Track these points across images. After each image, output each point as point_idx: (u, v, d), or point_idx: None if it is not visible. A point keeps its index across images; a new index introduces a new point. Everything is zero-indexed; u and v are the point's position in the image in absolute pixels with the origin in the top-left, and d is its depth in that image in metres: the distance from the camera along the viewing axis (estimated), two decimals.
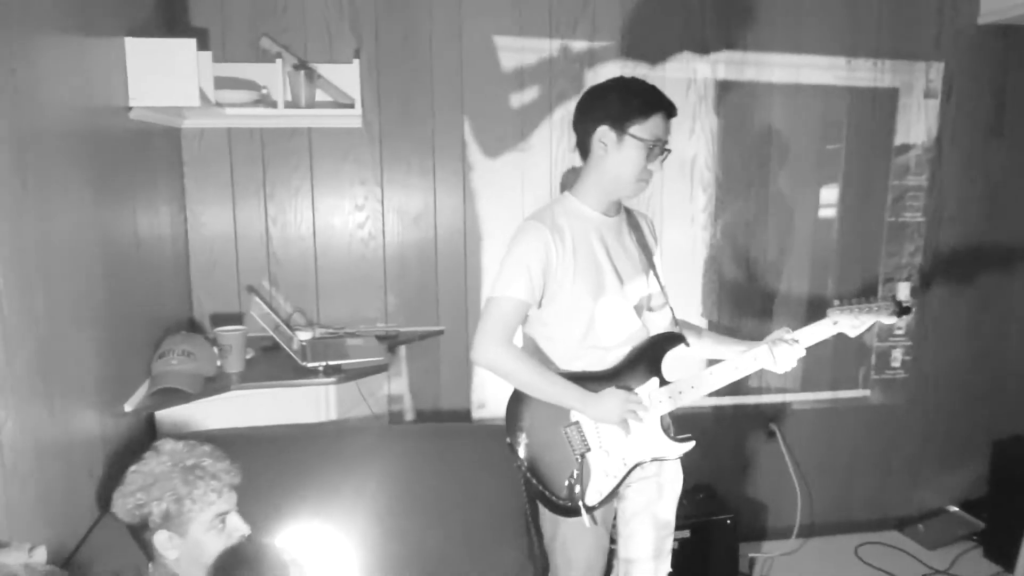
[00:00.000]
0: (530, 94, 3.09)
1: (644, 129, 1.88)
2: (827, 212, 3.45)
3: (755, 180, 3.33)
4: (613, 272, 1.95)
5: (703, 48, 3.19)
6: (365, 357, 2.63)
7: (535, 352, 2.01)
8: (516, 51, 3.06)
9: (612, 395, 1.92)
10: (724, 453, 3.47)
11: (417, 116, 3.03)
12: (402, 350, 3.08)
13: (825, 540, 3.56)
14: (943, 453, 3.72)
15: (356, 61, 2.85)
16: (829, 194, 3.44)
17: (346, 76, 2.87)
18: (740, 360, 1.98)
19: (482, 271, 3.14)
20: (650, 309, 2.06)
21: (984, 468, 3.59)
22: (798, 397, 3.52)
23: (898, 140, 3.47)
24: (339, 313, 3.05)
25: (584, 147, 1.97)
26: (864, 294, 2.07)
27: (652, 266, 2.07)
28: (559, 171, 3.14)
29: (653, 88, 1.92)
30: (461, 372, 3.17)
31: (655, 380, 1.98)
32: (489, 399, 3.19)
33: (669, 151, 1.94)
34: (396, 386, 3.12)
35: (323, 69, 2.86)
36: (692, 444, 2.00)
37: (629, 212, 2.12)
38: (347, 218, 3.05)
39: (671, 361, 2.02)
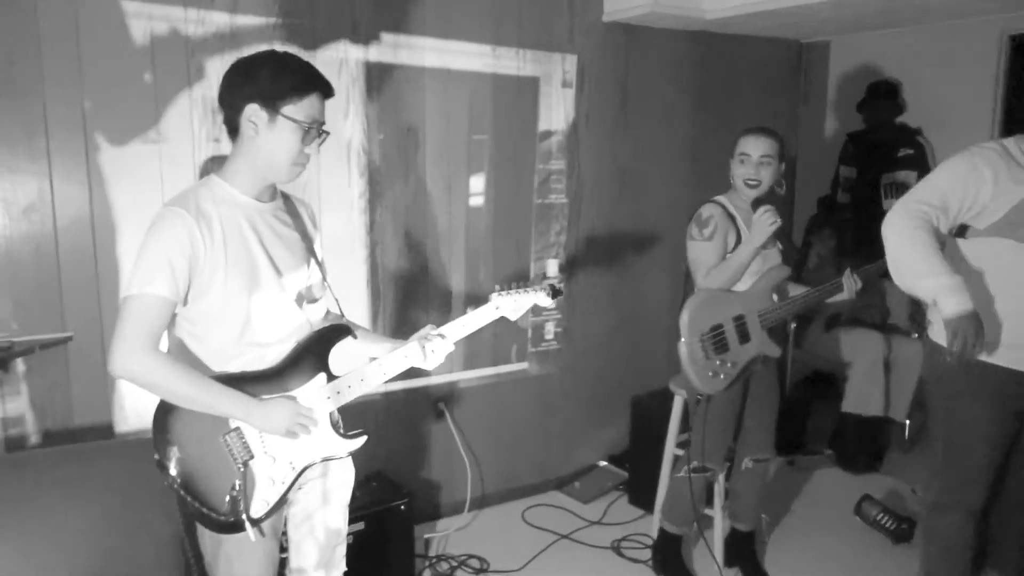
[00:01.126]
0: (167, 70, 2.77)
1: (298, 110, 1.74)
2: (481, 198, 3.58)
3: (411, 165, 3.35)
4: (269, 263, 1.81)
5: (358, 31, 3.11)
6: None
7: (183, 354, 1.80)
8: (148, 19, 2.72)
9: (279, 405, 1.77)
10: (396, 437, 3.46)
11: (22, 88, 2.57)
12: (18, 364, 2.62)
13: (495, 509, 3.73)
14: (592, 413, 4.09)
15: None
16: (482, 179, 3.57)
17: None
18: (390, 359, 1.94)
19: (118, 267, 2.77)
20: (312, 300, 1.95)
21: (626, 423, 4.00)
22: (464, 375, 3.63)
23: (541, 126, 3.70)
24: None
25: (232, 125, 1.79)
26: (521, 279, 2.16)
27: (313, 254, 1.96)
28: (202, 155, 2.87)
29: (308, 65, 1.79)
30: (97, 382, 2.77)
31: (322, 376, 1.87)
32: (140, 408, 2.85)
33: (327, 133, 1.83)
34: (14, 407, 2.66)
35: None
36: (364, 439, 1.93)
37: (287, 197, 1.97)
38: None
39: (337, 355, 1.93)
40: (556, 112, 3.73)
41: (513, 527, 3.59)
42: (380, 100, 3.22)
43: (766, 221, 2.69)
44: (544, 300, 2.00)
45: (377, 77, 3.20)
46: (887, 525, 3.41)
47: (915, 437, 4.29)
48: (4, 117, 2.56)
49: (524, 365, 3.82)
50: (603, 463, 4.12)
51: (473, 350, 3.62)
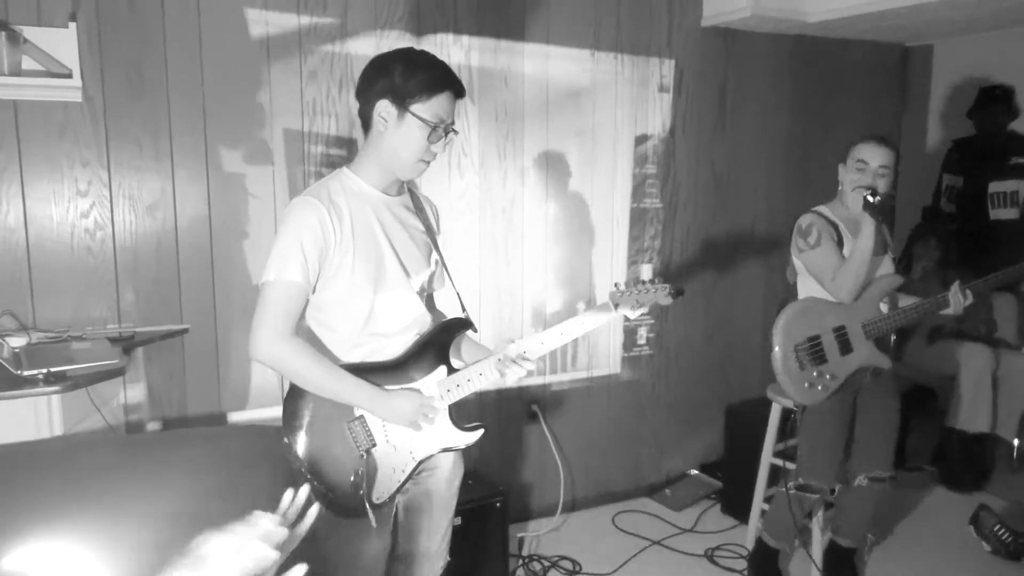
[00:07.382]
0: (281, 69, 2.90)
1: (427, 108, 1.78)
2: (575, 201, 3.59)
3: (509, 168, 3.39)
4: (395, 257, 1.86)
5: (460, 33, 3.19)
6: (95, 361, 2.31)
7: (311, 343, 1.86)
8: (263, 25, 2.86)
9: (405, 398, 1.83)
10: (490, 437, 3.44)
11: (149, 91, 2.72)
12: (139, 352, 2.76)
13: (586, 512, 3.72)
14: (684, 420, 4.03)
15: (73, 25, 2.51)
16: (578, 182, 3.58)
17: (61, 42, 2.52)
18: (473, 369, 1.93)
19: (231, 263, 2.90)
20: (430, 292, 2.01)
21: (719, 431, 3.94)
22: (557, 378, 3.64)
23: (638, 130, 3.69)
24: (61, 314, 2.67)
25: (365, 119, 1.85)
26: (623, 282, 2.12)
27: (435, 245, 2.01)
28: (318, 153, 2.98)
29: (441, 64, 1.83)
30: (210, 373, 2.91)
31: (443, 368, 1.91)
32: (252, 398, 2.96)
33: (455, 133, 1.87)
34: (134, 393, 2.80)
35: (31, 33, 2.49)
36: (481, 432, 1.96)
37: (413, 193, 2.03)
38: (67, 205, 2.67)
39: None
40: (653, 117, 3.72)
41: (604, 531, 3.57)
42: (480, 103, 3.27)
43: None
44: (665, 299, 1.92)
45: (476, 80, 3.25)
46: (1004, 538, 3.25)
47: None
48: (135, 119, 2.72)
49: (616, 370, 3.81)
50: (695, 471, 4.06)
51: (564, 352, 3.63)
